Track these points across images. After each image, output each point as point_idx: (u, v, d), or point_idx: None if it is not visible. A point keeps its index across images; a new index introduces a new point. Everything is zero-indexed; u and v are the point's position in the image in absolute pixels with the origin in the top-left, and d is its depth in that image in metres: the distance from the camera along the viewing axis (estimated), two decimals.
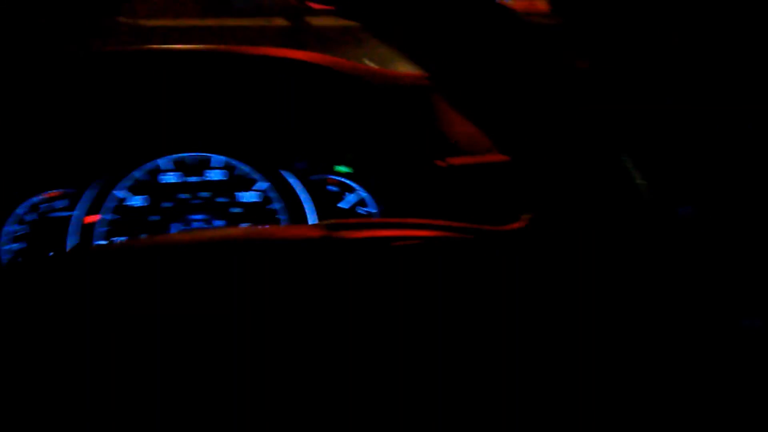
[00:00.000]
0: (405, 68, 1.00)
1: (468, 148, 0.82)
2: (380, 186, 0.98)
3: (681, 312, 0.49)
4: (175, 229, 0.95)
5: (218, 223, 0.96)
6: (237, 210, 0.97)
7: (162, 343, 0.43)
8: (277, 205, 0.97)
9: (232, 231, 0.50)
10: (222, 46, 0.95)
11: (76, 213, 0.92)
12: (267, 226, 0.49)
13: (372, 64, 1.11)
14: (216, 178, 0.96)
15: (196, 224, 0.96)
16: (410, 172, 0.91)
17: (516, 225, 0.50)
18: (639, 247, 0.50)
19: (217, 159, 0.96)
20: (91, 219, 0.92)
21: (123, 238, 0.93)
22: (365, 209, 1.00)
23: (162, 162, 0.94)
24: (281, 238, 0.47)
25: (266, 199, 0.97)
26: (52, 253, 0.91)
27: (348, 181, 0.99)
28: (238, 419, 0.41)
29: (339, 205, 0.99)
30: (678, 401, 0.48)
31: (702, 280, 0.52)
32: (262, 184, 0.97)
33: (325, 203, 0.99)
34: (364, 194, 1.00)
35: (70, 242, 0.92)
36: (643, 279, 0.50)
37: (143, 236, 0.85)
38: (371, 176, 0.98)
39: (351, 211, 0.99)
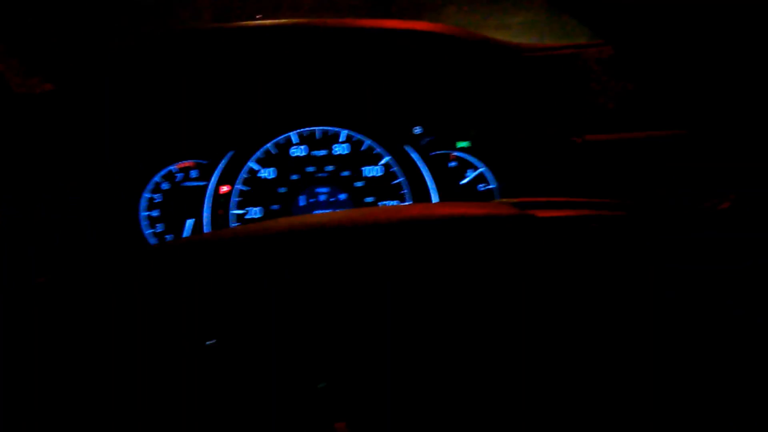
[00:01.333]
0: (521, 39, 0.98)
1: (607, 124, 0.81)
2: (503, 162, 0.98)
3: None
4: (302, 200, 0.98)
5: (342, 196, 0.98)
6: (360, 184, 0.99)
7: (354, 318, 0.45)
8: (399, 180, 0.98)
9: (417, 209, 0.51)
10: (347, 20, 0.96)
11: (210, 183, 0.96)
12: (451, 204, 0.50)
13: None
14: (341, 152, 0.98)
15: (321, 197, 0.98)
16: (539, 148, 0.91)
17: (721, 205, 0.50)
18: None
19: (343, 133, 0.98)
20: (224, 189, 0.96)
21: (257, 208, 0.96)
22: (484, 185, 1.00)
23: (292, 135, 0.97)
24: (476, 215, 0.48)
25: (389, 174, 0.98)
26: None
27: (469, 157, 1.00)
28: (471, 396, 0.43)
29: (460, 181, 0.99)
30: None
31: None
32: (386, 159, 0.98)
33: (446, 179, 1.00)
34: (483, 169, 1.00)
35: (205, 211, 0.96)
36: None
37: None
38: (494, 152, 0.98)
39: (471, 187, 1.00)
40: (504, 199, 0.54)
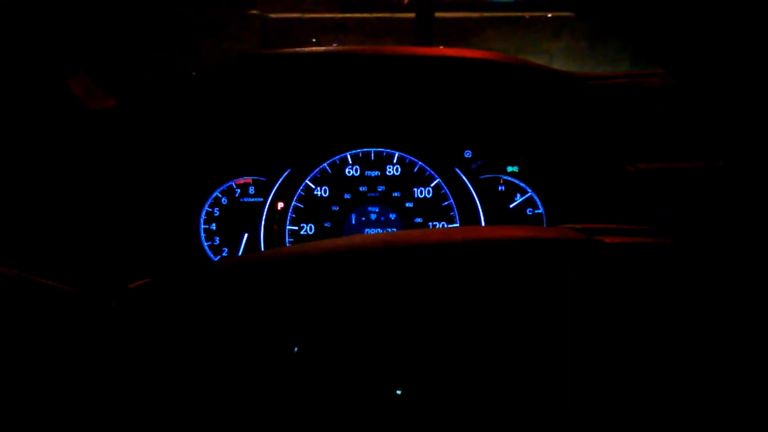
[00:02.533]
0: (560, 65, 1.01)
1: (661, 153, 0.82)
2: (551, 187, 1.00)
3: None
4: (353, 218, 1.01)
5: (392, 215, 1.01)
6: (410, 204, 1.02)
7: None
8: (449, 202, 1.01)
9: (489, 231, 0.54)
10: (401, 48, 1.00)
11: (267, 200, 1.00)
12: (521, 227, 0.53)
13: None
14: (393, 173, 1.01)
15: (372, 216, 1.01)
16: (589, 175, 0.93)
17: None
18: None
19: (396, 155, 1.01)
20: (280, 206, 1.00)
21: (310, 225, 1.00)
22: (532, 210, 1.02)
23: (348, 156, 1.00)
24: (547, 239, 0.50)
25: (439, 196, 1.01)
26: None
27: (518, 182, 1.02)
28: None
29: (509, 205, 1.01)
30: None
31: None
32: (436, 181, 1.01)
33: (494, 202, 1.02)
34: (532, 194, 1.02)
35: (261, 226, 1.00)
36: None
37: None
38: (543, 177, 1.00)
39: (520, 211, 1.02)
40: (568, 225, 0.56)
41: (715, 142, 0.72)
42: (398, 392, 0.44)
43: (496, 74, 0.88)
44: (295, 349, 0.44)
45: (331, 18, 2.92)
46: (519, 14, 2.93)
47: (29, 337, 0.49)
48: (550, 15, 2.66)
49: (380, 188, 1.01)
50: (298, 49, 0.94)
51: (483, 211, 1.02)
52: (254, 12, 2.90)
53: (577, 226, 0.55)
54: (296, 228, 1.00)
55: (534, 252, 0.50)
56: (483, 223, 1.01)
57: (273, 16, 2.90)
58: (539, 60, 1.06)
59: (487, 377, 0.48)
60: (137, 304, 0.46)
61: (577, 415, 0.47)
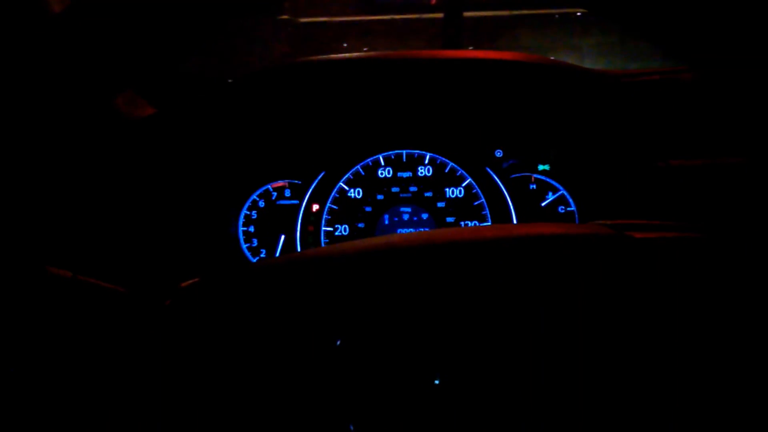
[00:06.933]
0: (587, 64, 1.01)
1: (690, 150, 0.82)
2: (583, 185, 1.01)
3: None
4: (386, 219, 1.03)
5: (424, 215, 1.03)
6: (442, 204, 1.03)
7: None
8: (480, 201, 1.02)
9: (522, 228, 0.55)
10: (430, 52, 1.01)
11: (302, 202, 1.03)
12: (551, 224, 0.54)
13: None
14: (425, 174, 1.03)
15: (404, 216, 1.03)
16: (621, 172, 0.93)
17: None
18: None
19: (427, 156, 1.03)
20: (315, 208, 1.03)
21: (344, 225, 1.03)
22: (564, 208, 1.03)
23: (380, 158, 1.03)
24: (577, 235, 0.52)
25: (471, 196, 1.03)
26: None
27: (549, 180, 1.03)
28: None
29: (541, 203, 1.02)
30: None
31: None
32: (468, 181, 1.02)
33: (526, 201, 1.03)
34: (563, 192, 1.03)
35: (298, 228, 1.03)
36: None
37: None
38: (574, 175, 1.01)
39: (551, 209, 1.02)
40: (599, 221, 0.57)
41: (747, 138, 0.72)
42: (437, 382, 0.46)
43: (526, 75, 0.89)
44: (338, 342, 0.46)
45: (359, 21, 2.95)
46: (549, 11, 2.92)
47: (86, 338, 0.53)
48: (579, 13, 2.64)
49: (412, 189, 1.03)
50: (330, 56, 0.97)
51: (515, 210, 1.03)
52: (284, 17, 2.95)
53: (608, 222, 0.56)
54: (331, 229, 1.02)
55: (565, 248, 0.51)
56: (515, 221, 1.03)
57: (302, 20, 2.94)
58: (570, 56, 1.06)
59: (520, 371, 0.49)
60: (191, 303, 0.49)
61: (608, 411, 0.48)
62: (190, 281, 0.52)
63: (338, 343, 0.46)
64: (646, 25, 0.59)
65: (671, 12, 0.57)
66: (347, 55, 1.00)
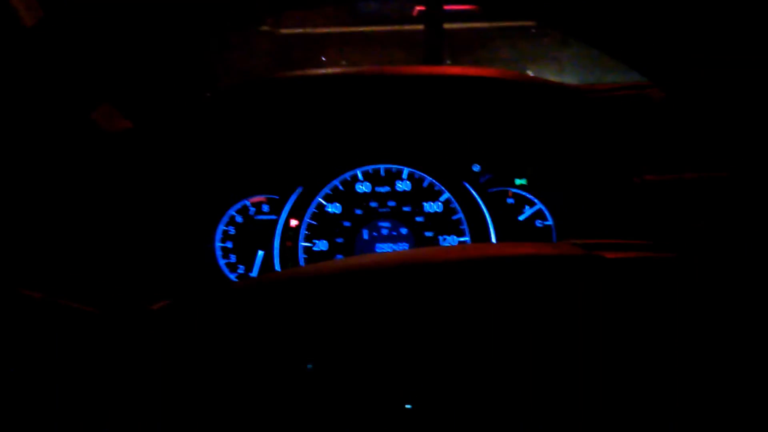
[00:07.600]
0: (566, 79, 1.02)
1: (665, 164, 0.83)
2: (559, 199, 1.02)
3: None
4: (365, 234, 1.03)
5: (403, 230, 1.03)
6: (421, 219, 1.03)
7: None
8: (459, 216, 1.03)
9: (492, 248, 0.55)
10: (408, 68, 1.01)
11: (280, 217, 1.02)
12: (522, 244, 0.54)
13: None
14: (404, 189, 1.03)
15: (383, 231, 1.03)
16: (597, 187, 0.94)
17: None
18: None
19: (405, 171, 1.03)
20: (294, 223, 1.02)
21: (323, 241, 1.02)
22: (541, 222, 1.03)
23: (358, 172, 1.02)
24: (546, 255, 0.52)
25: (449, 210, 1.03)
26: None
27: (526, 194, 1.03)
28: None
29: (518, 217, 1.03)
30: None
31: None
32: (446, 196, 1.03)
33: (504, 215, 1.03)
34: (540, 206, 1.03)
35: (276, 244, 1.02)
36: None
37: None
38: (551, 189, 1.02)
39: (529, 223, 1.03)
40: (571, 240, 0.57)
41: (718, 153, 0.73)
42: (408, 406, 0.46)
43: (502, 91, 0.90)
44: (309, 366, 0.46)
45: (339, 32, 2.95)
46: (527, 24, 2.96)
47: (54, 358, 0.52)
48: None
49: (391, 203, 1.03)
50: (307, 72, 0.97)
51: (493, 224, 1.03)
52: (264, 28, 2.94)
53: (578, 241, 0.56)
54: (310, 245, 1.02)
55: (535, 269, 0.51)
56: (493, 236, 1.03)
57: (282, 31, 2.94)
58: (549, 68, 1.07)
59: (494, 389, 0.49)
60: (160, 326, 0.49)
61: (583, 425, 0.48)
62: (161, 303, 0.51)
63: (309, 366, 0.46)
64: (598, 42, 0.59)
65: (616, 30, 0.57)
66: (326, 70, 1.00)
